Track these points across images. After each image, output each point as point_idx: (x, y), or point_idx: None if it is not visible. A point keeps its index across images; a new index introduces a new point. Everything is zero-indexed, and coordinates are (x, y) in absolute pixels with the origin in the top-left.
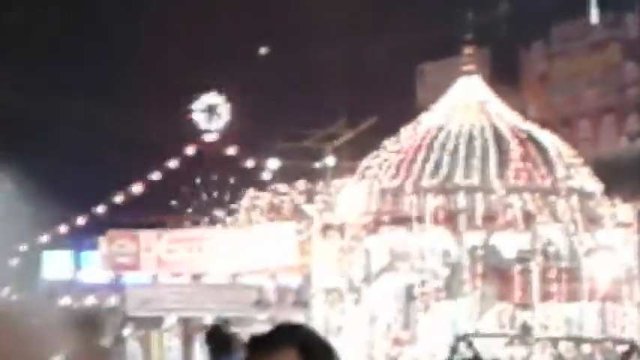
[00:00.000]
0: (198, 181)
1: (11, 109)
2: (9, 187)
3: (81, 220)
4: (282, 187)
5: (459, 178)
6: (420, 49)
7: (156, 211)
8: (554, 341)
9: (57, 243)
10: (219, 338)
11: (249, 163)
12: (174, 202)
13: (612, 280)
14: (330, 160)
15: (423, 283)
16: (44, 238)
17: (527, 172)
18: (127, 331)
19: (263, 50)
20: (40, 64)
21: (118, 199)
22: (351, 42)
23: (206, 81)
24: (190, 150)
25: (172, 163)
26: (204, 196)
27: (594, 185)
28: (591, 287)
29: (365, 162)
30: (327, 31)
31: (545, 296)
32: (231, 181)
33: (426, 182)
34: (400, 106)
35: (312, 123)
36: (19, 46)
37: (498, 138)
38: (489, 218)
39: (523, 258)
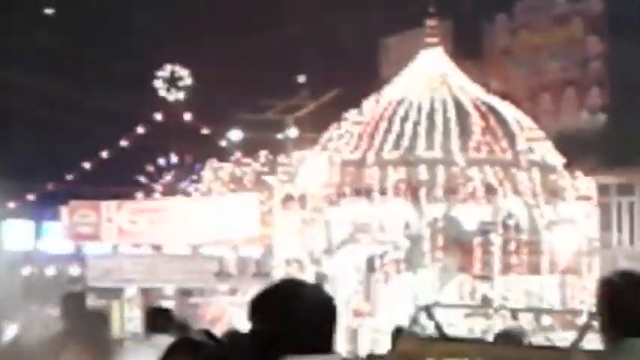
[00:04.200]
0: (159, 152)
1: None
2: None
3: (40, 193)
4: (244, 158)
5: (420, 151)
6: (383, 22)
7: (116, 183)
8: (514, 313)
9: (17, 213)
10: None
11: (212, 134)
12: (135, 174)
13: (573, 253)
14: (292, 132)
15: (383, 254)
16: (4, 209)
17: (488, 145)
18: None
19: (227, 23)
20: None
21: (78, 171)
22: (316, 14)
23: (169, 52)
24: (151, 121)
25: (132, 135)
26: (165, 167)
27: (556, 158)
28: (552, 260)
29: (327, 134)
30: (292, 4)
31: (506, 268)
32: (193, 152)
33: (387, 154)
34: (363, 79)
35: (275, 94)
36: None
37: (460, 110)
38: (450, 190)
39: (484, 230)
